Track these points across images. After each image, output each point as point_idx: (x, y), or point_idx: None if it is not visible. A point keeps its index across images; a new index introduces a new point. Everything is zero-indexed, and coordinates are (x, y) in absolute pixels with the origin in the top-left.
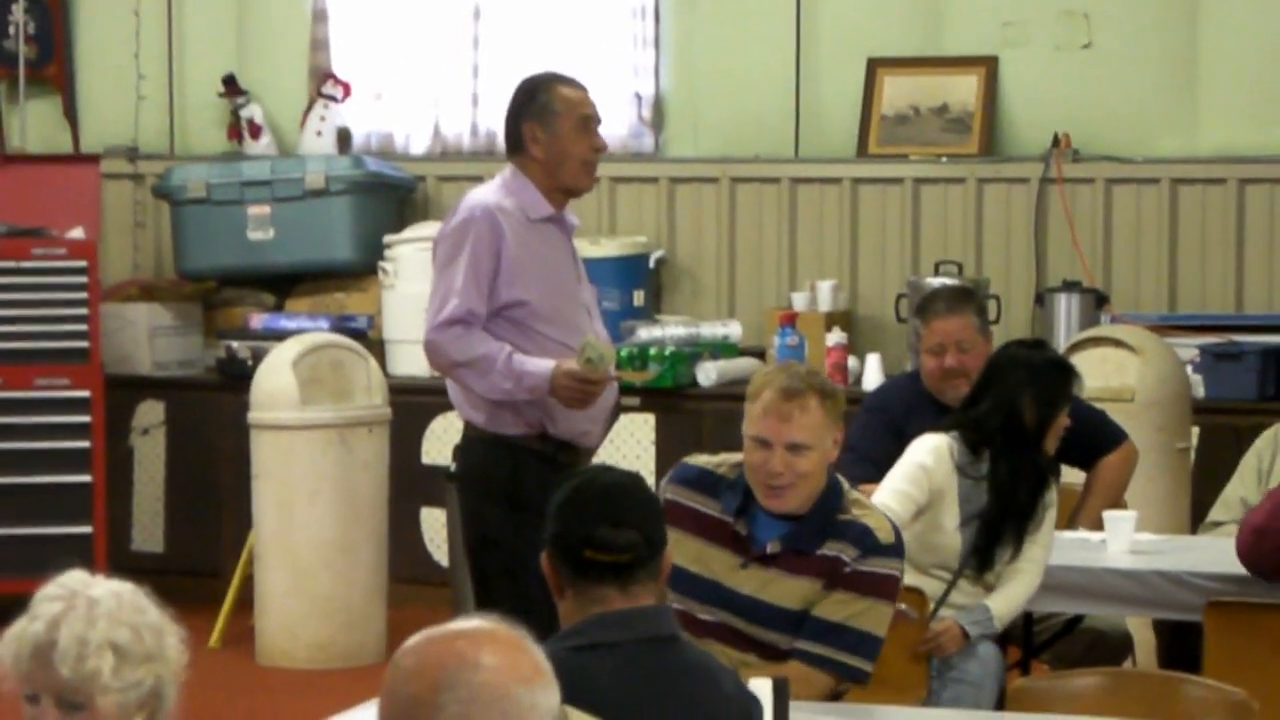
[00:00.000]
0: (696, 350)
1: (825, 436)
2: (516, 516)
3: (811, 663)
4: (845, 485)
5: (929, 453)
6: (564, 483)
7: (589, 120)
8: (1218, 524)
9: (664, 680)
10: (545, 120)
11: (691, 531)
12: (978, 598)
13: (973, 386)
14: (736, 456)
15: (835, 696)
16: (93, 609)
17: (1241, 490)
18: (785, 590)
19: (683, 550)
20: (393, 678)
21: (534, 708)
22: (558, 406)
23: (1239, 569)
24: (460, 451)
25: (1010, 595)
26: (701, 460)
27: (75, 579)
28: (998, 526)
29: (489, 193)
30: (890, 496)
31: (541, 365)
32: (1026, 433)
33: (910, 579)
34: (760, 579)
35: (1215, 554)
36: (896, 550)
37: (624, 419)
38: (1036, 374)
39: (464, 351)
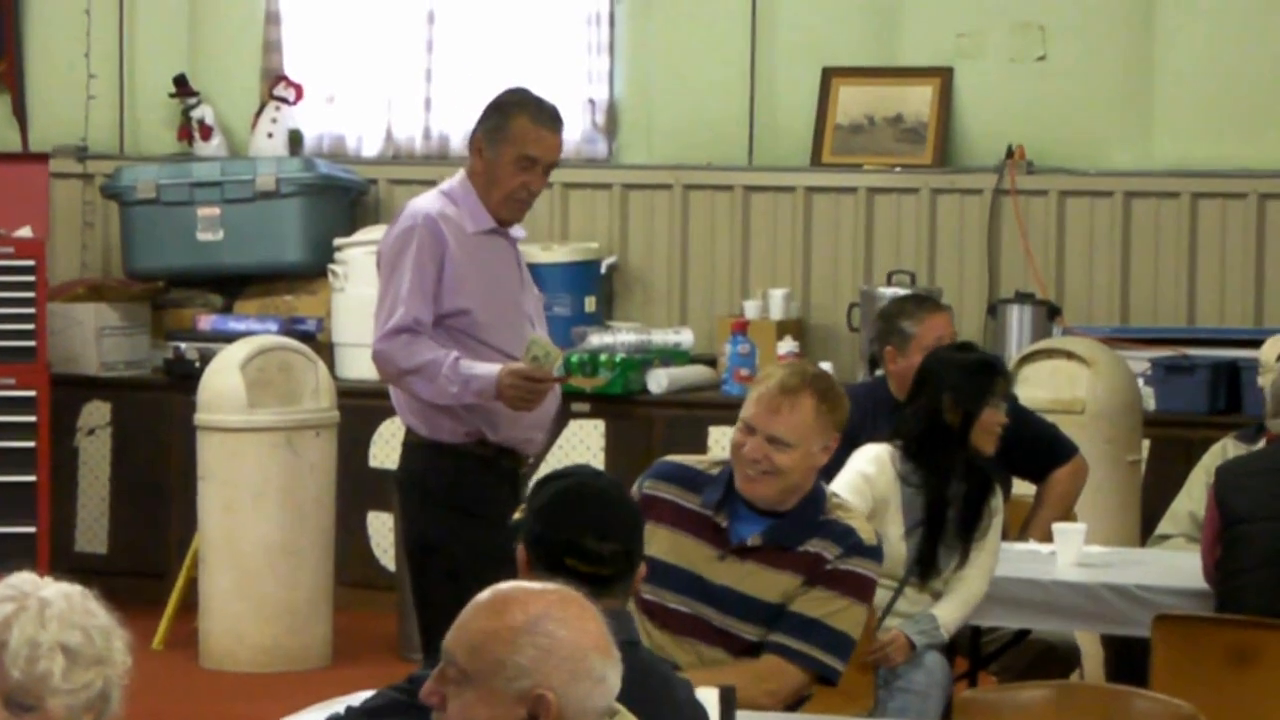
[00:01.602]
0: (647, 357)
1: (811, 439)
2: (456, 521)
3: (787, 657)
4: (828, 490)
5: (870, 462)
6: (550, 480)
7: (533, 162)
8: (1166, 537)
9: (625, 683)
10: (491, 141)
11: (669, 524)
12: (924, 606)
13: (907, 398)
14: (717, 457)
15: (799, 700)
16: (44, 611)
17: (1190, 504)
18: (764, 583)
19: (658, 541)
20: (474, 612)
21: (602, 680)
22: (499, 413)
23: (1187, 583)
24: (401, 457)
25: (957, 604)
26: (683, 458)
27: (25, 580)
28: (938, 532)
29: (431, 201)
30: None
31: (488, 369)
32: (951, 432)
33: None
34: (738, 571)
35: (1164, 568)
36: (876, 553)
37: (574, 425)
38: (956, 373)
39: (411, 359)
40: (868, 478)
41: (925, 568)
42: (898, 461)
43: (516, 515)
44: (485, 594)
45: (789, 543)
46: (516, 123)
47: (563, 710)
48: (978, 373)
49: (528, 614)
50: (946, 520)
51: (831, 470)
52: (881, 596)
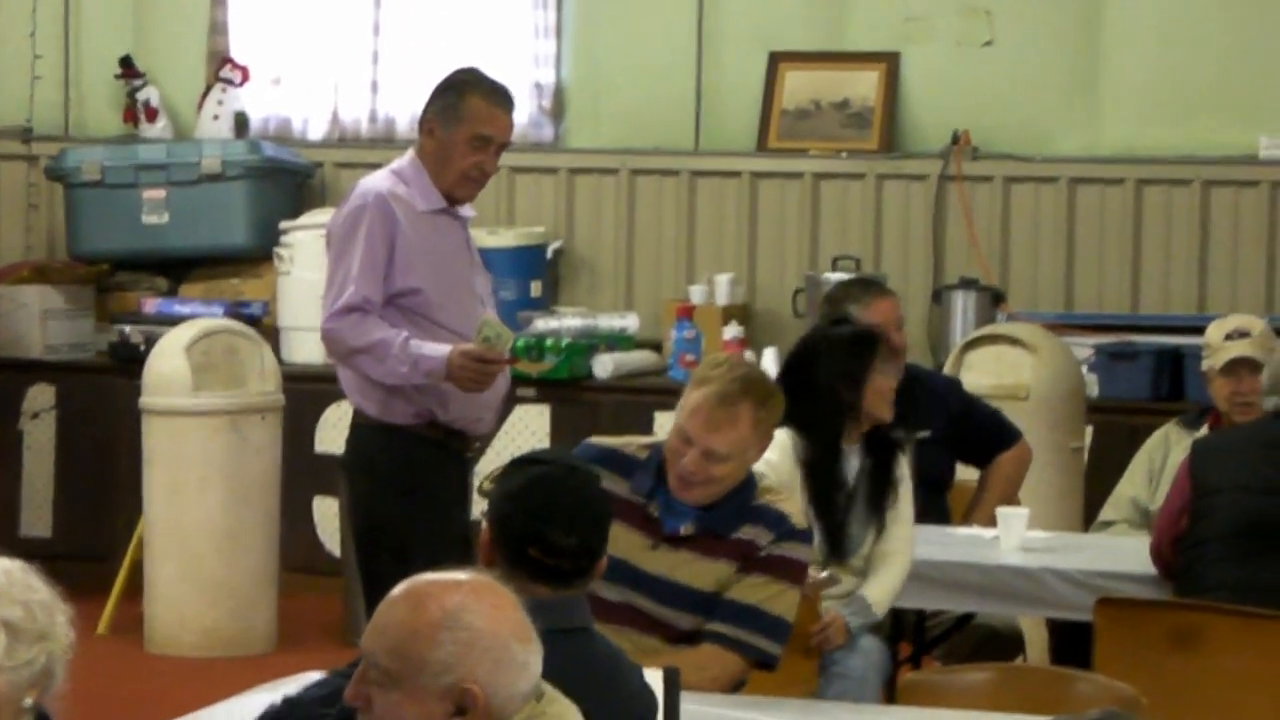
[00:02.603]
0: (593, 342)
1: (749, 448)
2: (405, 503)
3: (725, 644)
4: (756, 474)
5: (775, 448)
6: (526, 463)
7: (486, 141)
8: (1109, 523)
9: (573, 671)
10: (445, 120)
11: None
12: (854, 585)
13: (783, 376)
14: (646, 439)
15: (737, 686)
16: None
17: (1132, 490)
18: (697, 572)
19: None
20: (390, 611)
21: (525, 666)
22: (449, 393)
23: (1130, 567)
24: (349, 439)
25: (885, 580)
26: (608, 441)
27: None
28: (844, 508)
29: (381, 180)
30: None
31: (438, 349)
32: (843, 407)
33: None
34: (671, 560)
35: (1106, 552)
36: (808, 536)
37: (519, 410)
38: (840, 351)
39: (360, 338)
40: (771, 464)
41: (836, 546)
42: (798, 446)
43: (486, 484)
44: (398, 590)
45: (722, 530)
46: (469, 102)
47: (489, 700)
48: (859, 344)
49: (444, 608)
50: (854, 496)
51: None
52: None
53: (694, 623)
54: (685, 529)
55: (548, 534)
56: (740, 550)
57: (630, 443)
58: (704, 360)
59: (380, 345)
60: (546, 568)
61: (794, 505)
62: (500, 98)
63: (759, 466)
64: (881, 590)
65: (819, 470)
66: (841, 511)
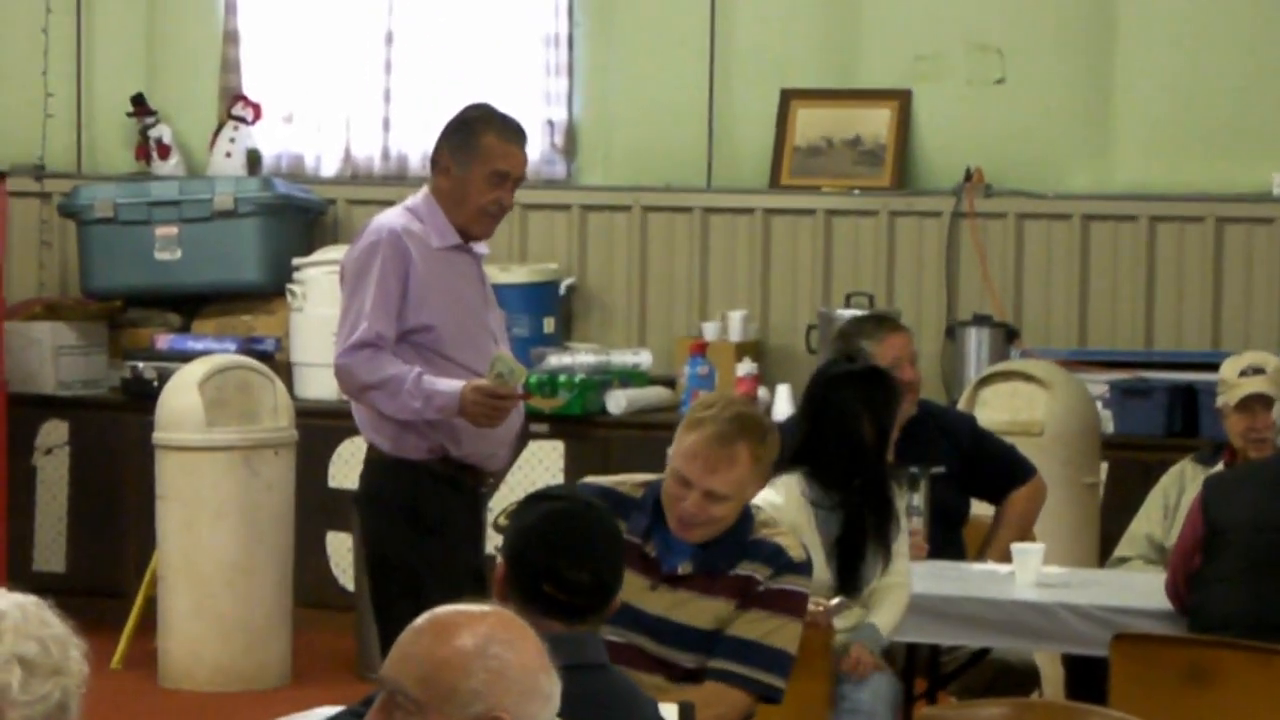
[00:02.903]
0: (606, 378)
1: (747, 487)
2: (417, 538)
3: (729, 681)
4: (753, 508)
5: (780, 491)
6: (541, 499)
7: (504, 177)
8: (1124, 560)
9: (590, 706)
10: (461, 158)
11: None
12: (859, 617)
13: (800, 419)
14: (640, 476)
15: (746, 719)
16: None
17: (1147, 527)
18: (697, 610)
19: None
20: (417, 640)
21: (550, 698)
22: (462, 429)
23: (1145, 602)
24: (362, 474)
25: (892, 611)
26: (603, 480)
27: None
28: (860, 548)
29: (395, 216)
30: None
31: (451, 384)
32: (869, 450)
33: None
34: (670, 600)
35: (1122, 587)
36: (807, 568)
37: (532, 446)
38: (866, 391)
39: (373, 373)
40: (776, 508)
41: (852, 585)
42: (806, 488)
43: (501, 520)
44: (422, 620)
45: (720, 567)
46: (484, 140)
47: None
48: (879, 385)
49: (475, 638)
50: (867, 533)
51: None
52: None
53: (696, 661)
54: (683, 567)
55: (562, 570)
56: (739, 586)
57: (624, 481)
58: (694, 402)
59: (393, 381)
60: (560, 604)
61: (792, 539)
62: (514, 133)
63: (765, 509)
64: (890, 619)
65: (845, 511)
66: (861, 550)
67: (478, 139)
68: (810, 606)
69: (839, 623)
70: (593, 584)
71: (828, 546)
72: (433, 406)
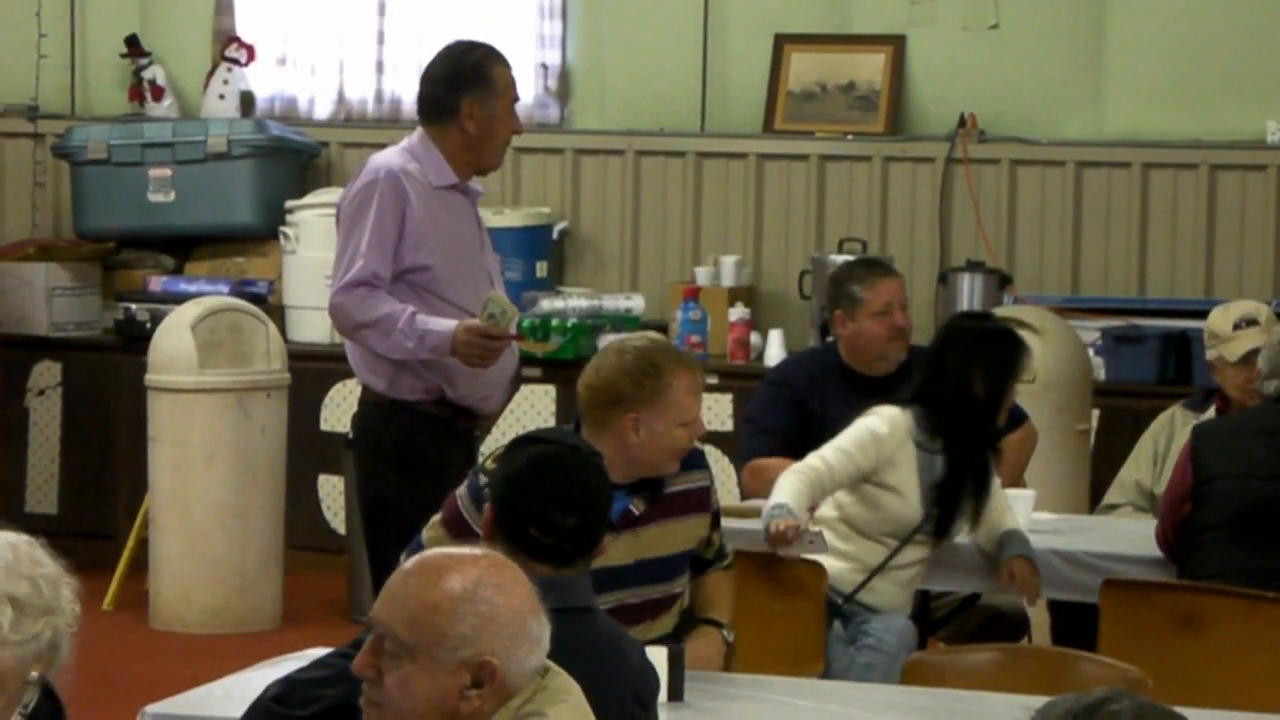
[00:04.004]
0: (599, 322)
1: None
2: (411, 481)
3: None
4: None
5: (885, 422)
6: (527, 443)
7: (515, 102)
8: (1114, 506)
9: (576, 650)
10: (485, 98)
11: None
12: (919, 563)
13: (923, 360)
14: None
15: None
16: None
17: (1136, 474)
18: (671, 538)
19: None
20: (406, 584)
21: (538, 641)
22: (458, 370)
23: (1135, 549)
24: (356, 416)
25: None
26: None
27: None
28: (956, 497)
29: (393, 156)
30: (831, 452)
31: (444, 324)
32: (978, 405)
33: (848, 545)
34: (636, 542)
35: (1112, 534)
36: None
37: (525, 390)
38: (985, 347)
39: (367, 312)
40: (878, 437)
41: (941, 529)
42: (913, 426)
43: (488, 464)
44: (411, 563)
45: (660, 490)
46: (498, 73)
47: (505, 673)
48: (1005, 347)
49: (464, 582)
50: (965, 488)
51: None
52: (873, 553)
53: (680, 584)
54: (636, 506)
55: (549, 514)
56: (698, 499)
57: None
58: (626, 351)
59: (386, 319)
60: (547, 547)
61: None
62: (505, 58)
63: (862, 434)
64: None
65: (950, 460)
66: (957, 499)
67: (492, 76)
68: (781, 526)
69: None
70: (579, 527)
71: (924, 487)
72: (426, 346)
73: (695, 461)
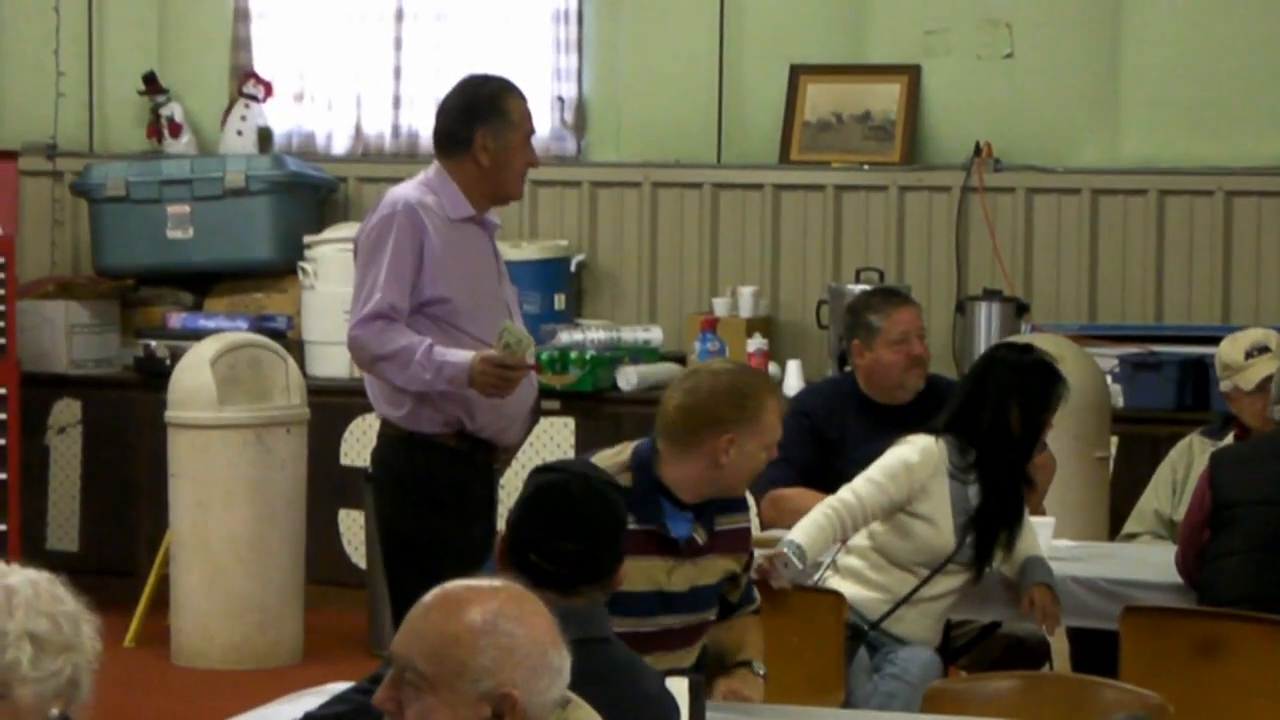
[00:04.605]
0: (617, 354)
1: None
2: (431, 515)
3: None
4: None
5: (917, 451)
6: (541, 471)
7: (532, 134)
8: (1133, 536)
9: (592, 680)
10: (499, 130)
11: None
12: (949, 595)
13: (959, 389)
14: (615, 455)
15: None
16: (10, 599)
17: (1155, 502)
18: (711, 571)
19: None
20: (426, 616)
21: (559, 672)
22: (477, 402)
23: (1155, 576)
24: (376, 450)
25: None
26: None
27: None
28: (991, 527)
29: (410, 189)
30: (862, 484)
31: (461, 355)
32: (1013, 438)
33: (881, 575)
34: (692, 572)
35: (1131, 561)
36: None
37: (544, 422)
38: (1025, 380)
39: (385, 345)
40: (909, 467)
41: (980, 559)
42: (946, 455)
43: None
44: (432, 596)
45: (712, 524)
46: (512, 105)
47: (526, 706)
48: (1044, 380)
49: (484, 614)
50: (1000, 519)
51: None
52: (903, 583)
53: (703, 617)
54: (699, 535)
55: (548, 540)
56: (742, 539)
57: (609, 464)
58: (721, 374)
59: (404, 352)
60: (547, 574)
61: None
62: (523, 92)
63: (894, 464)
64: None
65: (984, 490)
66: (994, 529)
67: (509, 106)
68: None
69: (931, 591)
70: (579, 554)
71: (957, 517)
72: (443, 377)
73: (740, 505)
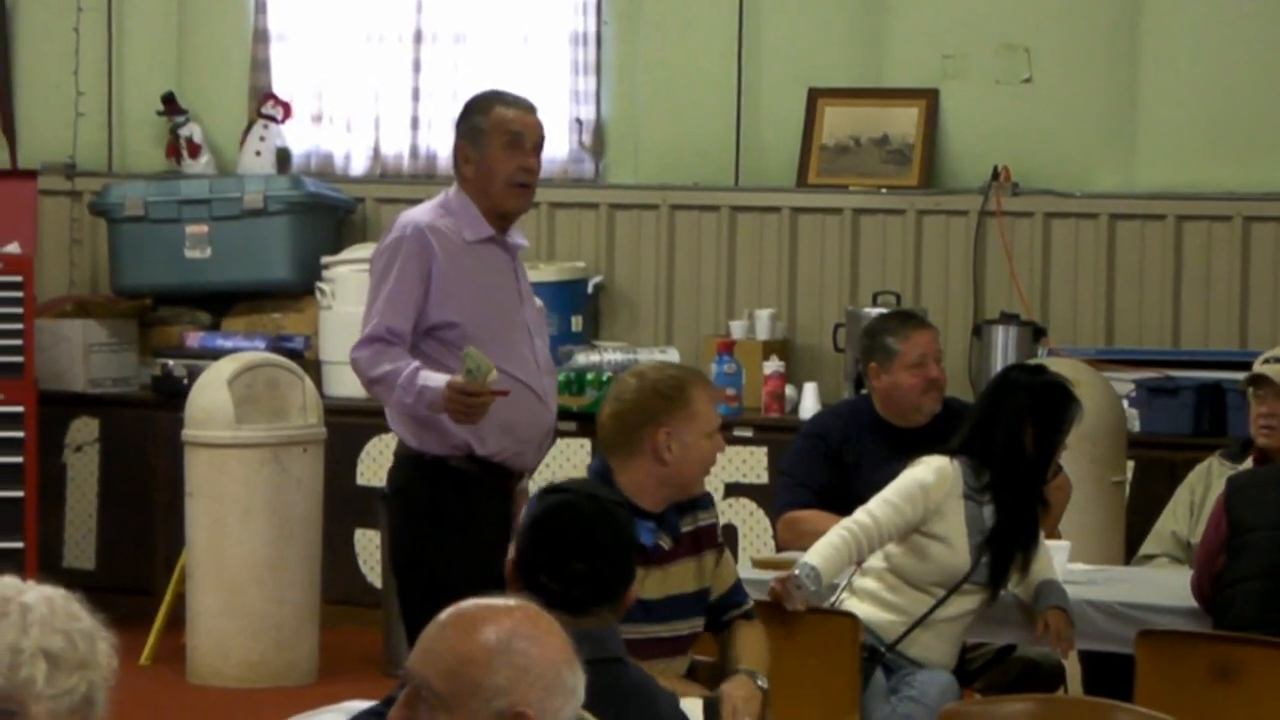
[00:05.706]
0: None
1: None
2: (441, 537)
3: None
4: None
5: (932, 472)
6: (550, 492)
7: (518, 138)
8: (1150, 557)
9: (605, 702)
10: (474, 139)
11: None
12: (965, 616)
13: (973, 410)
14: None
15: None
16: (25, 615)
17: (1173, 525)
18: (683, 577)
19: None
20: (441, 635)
21: (573, 692)
22: (486, 426)
23: (1171, 600)
24: (391, 471)
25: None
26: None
27: (6, 585)
28: (1006, 548)
29: (423, 212)
30: (878, 506)
31: (439, 380)
32: (1027, 460)
33: (897, 596)
34: (664, 578)
35: (1147, 585)
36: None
37: (560, 444)
38: (1038, 401)
39: (374, 368)
40: (925, 488)
41: (995, 580)
42: (961, 476)
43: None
44: (446, 614)
45: (676, 527)
46: (492, 112)
47: None
48: (1057, 402)
49: (499, 633)
50: (1015, 540)
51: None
52: (919, 604)
53: (691, 627)
54: (664, 541)
55: (557, 561)
56: (708, 537)
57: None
58: (645, 374)
59: (390, 375)
60: (556, 594)
61: None
62: (518, 100)
63: (909, 485)
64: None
65: (1000, 511)
66: (1010, 550)
67: (486, 114)
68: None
69: (946, 613)
70: (590, 574)
71: (972, 537)
72: (423, 402)
73: (704, 502)
